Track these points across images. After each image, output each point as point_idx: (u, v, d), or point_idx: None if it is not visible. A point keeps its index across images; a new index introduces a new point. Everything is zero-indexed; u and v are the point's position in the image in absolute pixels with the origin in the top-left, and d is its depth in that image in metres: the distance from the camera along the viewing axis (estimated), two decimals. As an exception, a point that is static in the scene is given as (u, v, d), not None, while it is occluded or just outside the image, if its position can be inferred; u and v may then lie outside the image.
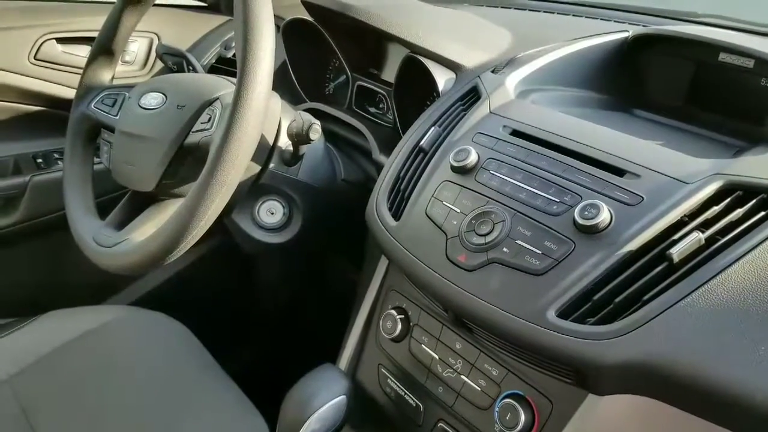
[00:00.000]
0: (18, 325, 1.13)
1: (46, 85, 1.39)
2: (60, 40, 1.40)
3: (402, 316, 0.89)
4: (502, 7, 1.49)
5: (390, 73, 1.19)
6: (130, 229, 0.95)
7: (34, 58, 1.37)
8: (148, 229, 0.92)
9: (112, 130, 1.02)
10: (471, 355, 0.81)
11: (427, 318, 0.87)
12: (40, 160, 1.41)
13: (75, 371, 1.03)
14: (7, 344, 1.10)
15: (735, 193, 0.66)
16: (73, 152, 1.07)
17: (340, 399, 0.80)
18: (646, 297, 0.63)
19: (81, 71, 1.08)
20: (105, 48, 1.05)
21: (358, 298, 1.01)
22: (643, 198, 0.68)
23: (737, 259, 0.61)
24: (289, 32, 1.28)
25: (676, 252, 0.63)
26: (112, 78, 1.09)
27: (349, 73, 1.27)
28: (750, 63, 0.85)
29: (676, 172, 0.69)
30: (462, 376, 0.81)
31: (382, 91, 1.21)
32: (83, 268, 1.06)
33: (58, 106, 1.40)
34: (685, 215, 0.66)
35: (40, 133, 1.42)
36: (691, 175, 0.68)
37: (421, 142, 0.90)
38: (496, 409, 0.75)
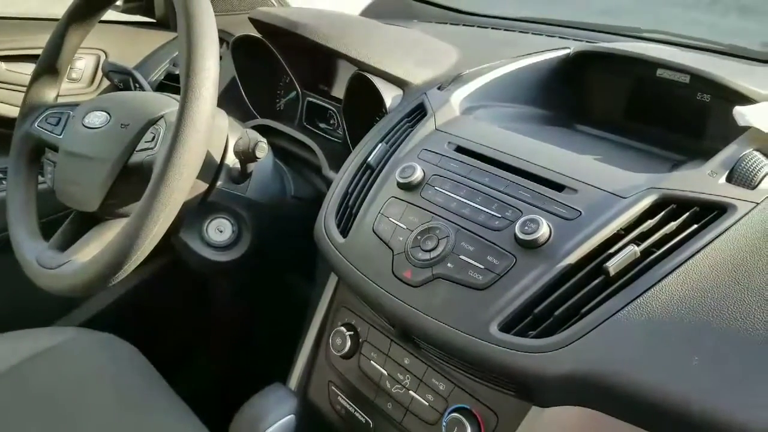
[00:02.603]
0: (-38, 350, 1.10)
1: (-12, 104, 1.36)
2: (4, 58, 1.37)
3: (351, 333, 0.89)
4: (451, 24, 1.51)
5: (339, 90, 1.20)
6: (74, 250, 0.93)
7: (-23, 76, 1.34)
8: (92, 249, 0.90)
9: (55, 149, 1.01)
10: (419, 370, 0.81)
11: (376, 334, 0.87)
12: (-18, 180, 1.38)
13: (22, 395, 1.01)
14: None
15: (669, 206, 0.68)
16: (16, 172, 1.05)
17: (289, 419, 0.80)
18: (584, 310, 0.64)
19: (25, 89, 1.06)
20: (49, 66, 1.04)
21: (309, 315, 1.01)
22: (581, 212, 0.69)
23: (671, 271, 0.62)
24: (239, 49, 1.27)
25: (612, 265, 0.64)
26: (57, 96, 1.07)
27: (299, 90, 1.27)
28: (686, 78, 0.88)
29: (612, 186, 0.71)
30: (410, 392, 0.81)
31: (332, 108, 1.22)
32: (29, 290, 1.04)
33: (1, 125, 1.37)
34: (621, 229, 0.67)
35: (-17, 152, 1.38)
36: (627, 190, 0.70)
37: (369, 159, 0.90)
38: (444, 423, 0.76)
